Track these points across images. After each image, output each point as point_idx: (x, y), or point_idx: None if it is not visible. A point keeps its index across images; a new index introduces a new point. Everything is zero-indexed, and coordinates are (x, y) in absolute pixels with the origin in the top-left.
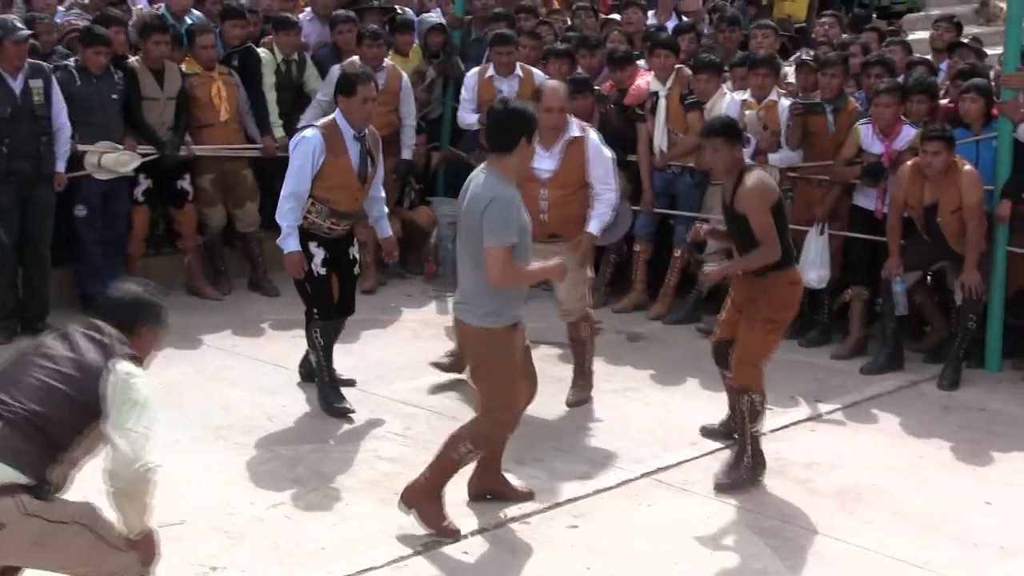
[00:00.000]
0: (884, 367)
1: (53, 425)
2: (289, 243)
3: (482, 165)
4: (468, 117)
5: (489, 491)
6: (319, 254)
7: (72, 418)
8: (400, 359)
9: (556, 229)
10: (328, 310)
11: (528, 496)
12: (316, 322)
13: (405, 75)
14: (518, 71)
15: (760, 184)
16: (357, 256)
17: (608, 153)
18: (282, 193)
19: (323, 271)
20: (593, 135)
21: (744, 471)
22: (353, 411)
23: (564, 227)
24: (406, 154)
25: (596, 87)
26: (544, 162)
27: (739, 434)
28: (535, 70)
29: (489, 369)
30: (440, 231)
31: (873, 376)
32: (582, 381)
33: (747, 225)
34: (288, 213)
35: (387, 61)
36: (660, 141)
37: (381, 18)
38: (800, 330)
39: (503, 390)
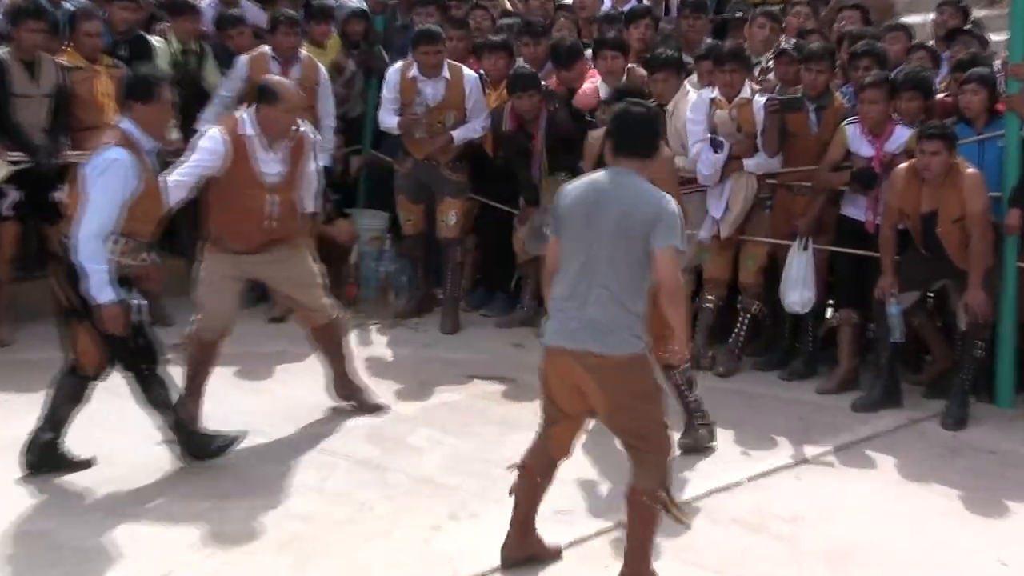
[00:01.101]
0: (879, 403)
1: None
2: (107, 292)
3: (612, 169)
4: (389, 119)
5: (530, 554)
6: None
7: None
8: (315, 398)
9: (278, 234)
10: (157, 357)
11: (557, 555)
12: (154, 377)
13: (323, 68)
14: (445, 72)
15: None
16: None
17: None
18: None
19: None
20: (309, 129)
21: (700, 430)
22: (237, 436)
23: (285, 231)
24: (324, 159)
25: (544, 83)
26: (270, 165)
27: (682, 405)
28: (466, 70)
29: (645, 399)
30: (361, 247)
31: (866, 413)
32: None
33: None
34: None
35: (303, 52)
36: None
37: (294, 3)
38: (781, 361)
39: (660, 414)
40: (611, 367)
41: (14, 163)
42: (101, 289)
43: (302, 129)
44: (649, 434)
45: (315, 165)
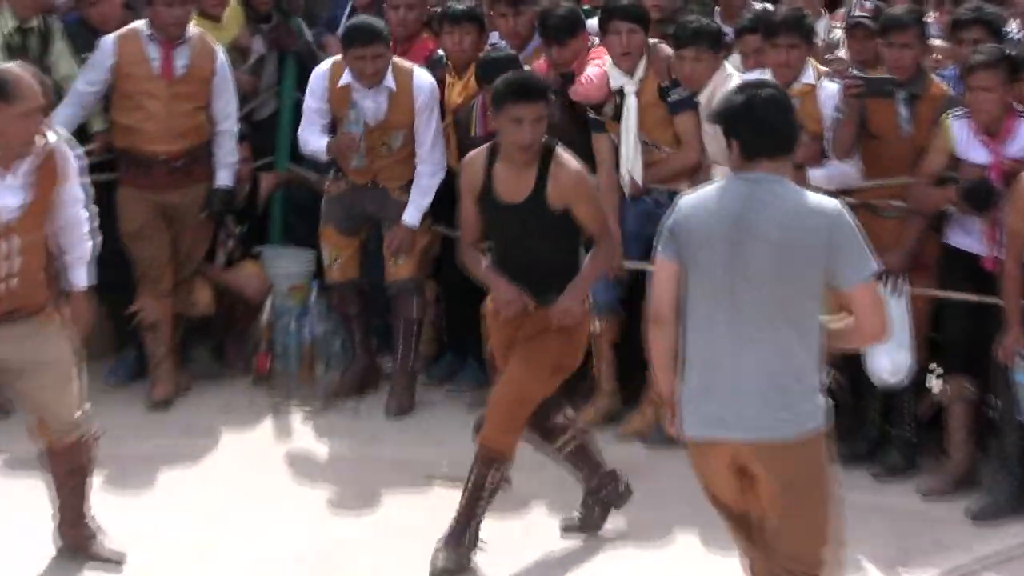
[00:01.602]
0: (1005, 509)
1: None
2: None
3: (752, 174)
4: (314, 140)
5: None
6: None
7: None
8: (217, 518)
9: (20, 300)
10: None
11: None
12: None
13: (221, 51)
14: (389, 80)
15: None
16: None
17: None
18: None
19: None
20: (64, 145)
21: (465, 550)
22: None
23: (28, 295)
24: (224, 178)
25: (528, 68)
26: (3, 195)
27: (466, 508)
28: (417, 75)
29: (822, 490)
30: (278, 301)
31: (988, 524)
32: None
33: None
34: None
35: (192, 28)
36: (630, 163)
37: None
38: (869, 452)
39: (832, 517)
40: (781, 452)
41: None
42: None
43: (51, 141)
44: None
45: (80, 193)
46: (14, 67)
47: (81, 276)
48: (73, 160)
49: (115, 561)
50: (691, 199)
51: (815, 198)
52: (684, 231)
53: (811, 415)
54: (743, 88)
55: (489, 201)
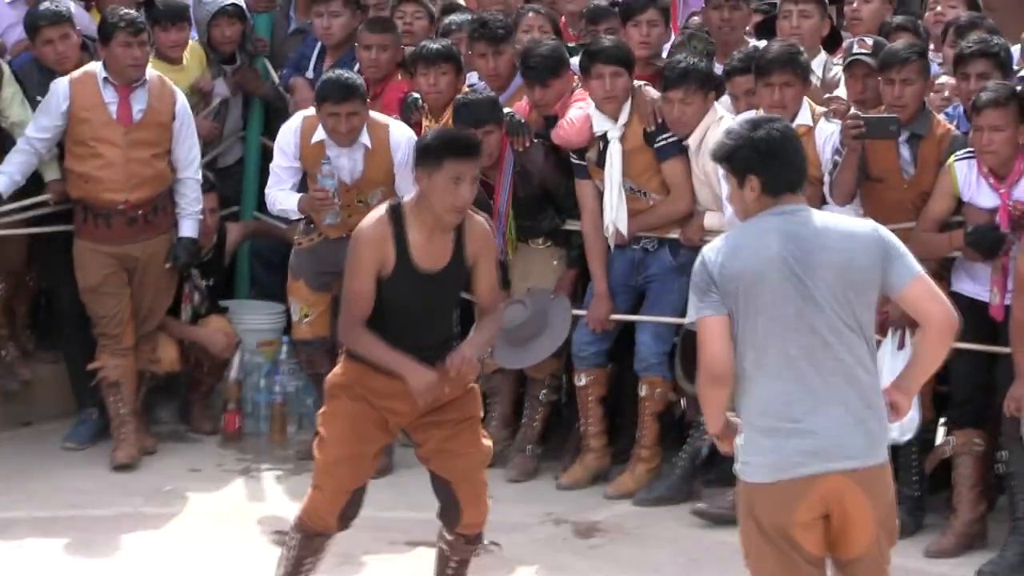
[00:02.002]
0: (1017, 568)
1: None
2: None
3: (784, 207)
4: (284, 199)
5: None
6: None
7: None
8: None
9: None
10: None
11: None
12: None
13: (180, 94)
14: (365, 138)
15: None
16: None
17: None
18: None
19: None
20: None
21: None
22: None
23: None
24: (187, 229)
25: (507, 110)
26: None
27: None
28: (394, 128)
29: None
30: (246, 358)
31: None
32: None
33: None
34: None
35: (151, 71)
36: (614, 212)
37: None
38: None
39: None
40: (877, 473)
41: None
42: None
43: None
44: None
45: None
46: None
47: None
48: None
49: None
50: (722, 247)
51: (848, 218)
52: (729, 280)
53: (887, 434)
54: (756, 124)
55: (406, 273)
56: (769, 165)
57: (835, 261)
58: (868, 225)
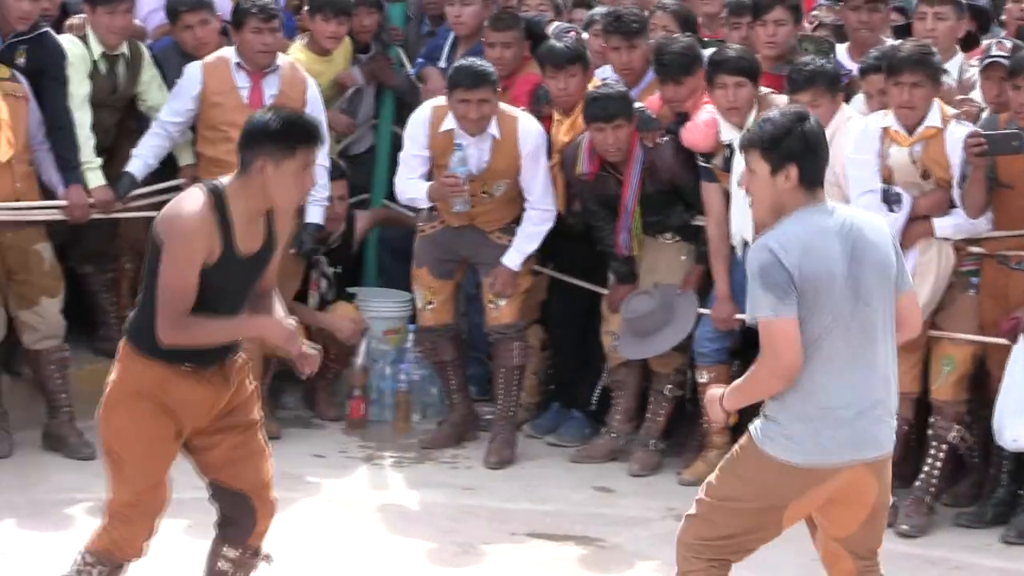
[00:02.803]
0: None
1: None
2: None
3: (826, 204)
4: (412, 187)
5: None
6: None
7: None
8: (305, 569)
9: None
10: None
11: None
12: None
13: (312, 83)
14: (493, 128)
15: None
16: None
17: None
18: None
19: None
20: None
21: None
22: None
23: None
24: (314, 215)
25: (639, 105)
26: None
27: None
28: (523, 122)
29: None
30: (373, 345)
31: None
32: None
33: None
34: None
35: (282, 58)
36: (739, 223)
37: None
38: (998, 515)
39: None
40: (887, 461)
41: None
42: None
43: None
44: None
45: None
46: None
47: None
48: None
49: None
50: (790, 246)
51: (870, 214)
52: (807, 281)
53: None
54: (802, 116)
55: (229, 259)
56: (810, 157)
57: (877, 259)
58: (884, 222)
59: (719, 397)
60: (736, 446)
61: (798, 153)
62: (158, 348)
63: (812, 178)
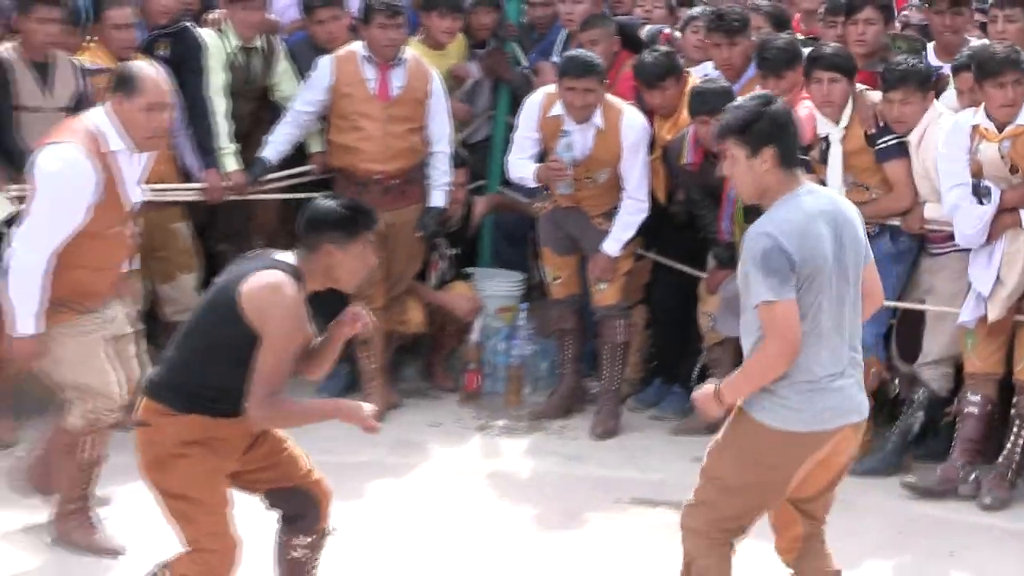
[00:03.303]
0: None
1: None
2: None
3: (806, 186)
4: (522, 167)
5: None
6: None
7: None
8: (421, 530)
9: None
10: None
11: None
12: None
13: (436, 75)
14: (598, 119)
15: None
16: None
17: None
18: None
19: None
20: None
21: None
22: None
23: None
24: (437, 199)
25: (739, 99)
26: (137, 190)
27: None
28: (627, 114)
29: None
30: (487, 322)
31: None
32: None
33: None
34: None
35: (408, 51)
36: None
37: None
38: None
39: None
40: (862, 426)
41: (20, 199)
42: None
43: None
44: None
45: None
46: (141, 63)
47: None
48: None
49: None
50: (787, 231)
51: (836, 193)
52: (805, 265)
53: None
54: (768, 99)
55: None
56: (783, 138)
57: (854, 236)
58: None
59: (714, 394)
60: (726, 431)
61: (771, 134)
62: (194, 405)
63: (788, 158)
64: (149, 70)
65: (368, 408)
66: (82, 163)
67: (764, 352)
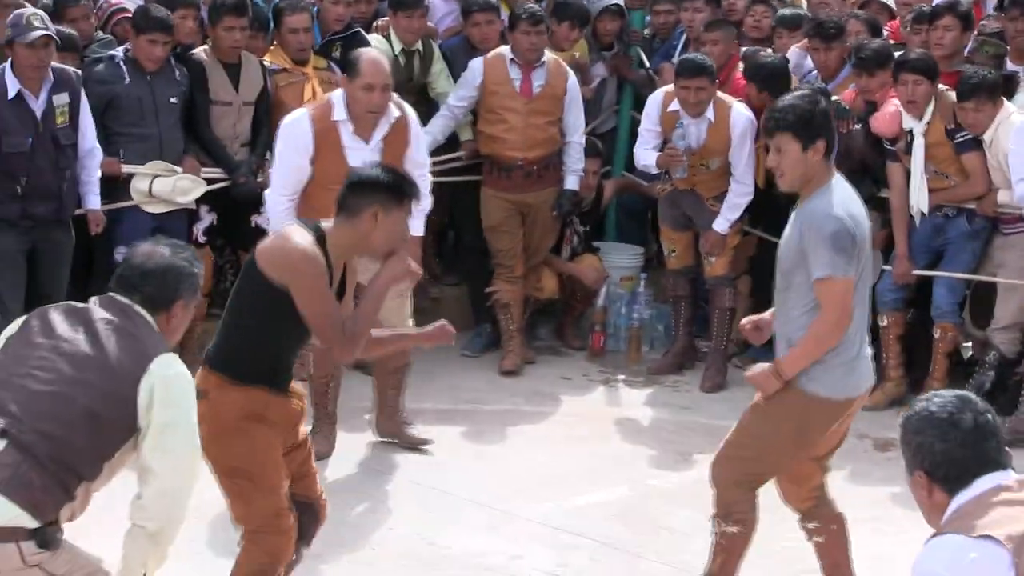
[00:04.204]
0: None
1: (73, 452)
2: None
3: (837, 175)
4: (646, 155)
5: None
6: None
7: (98, 440)
8: (552, 468)
9: None
10: None
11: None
12: None
13: (573, 76)
14: (710, 113)
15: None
16: None
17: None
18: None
19: None
20: (411, 111)
21: None
22: None
23: None
24: (571, 183)
25: (835, 98)
26: (364, 157)
27: None
28: (736, 109)
29: None
30: (611, 289)
31: None
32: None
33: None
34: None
35: (548, 55)
36: (917, 198)
37: None
38: None
39: None
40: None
41: (210, 182)
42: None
43: (400, 113)
44: None
45: (422, 158)
46: (366, 50)
47: (416, 226)
48: (418, 128)
49: (422, 445)
50: (849, 213)
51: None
52: (861, 245)
53: None
54: (813, 98)
55: None
56: (831, 131)
57: (865, 216)
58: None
59: (772, 372)
60: (770, 399)
61: (824, 128)
62: (253, 374)
63: (831, 150)
64: (370, 55)
65: (435, 328)
66: (299, 124)
67: (822, 326)
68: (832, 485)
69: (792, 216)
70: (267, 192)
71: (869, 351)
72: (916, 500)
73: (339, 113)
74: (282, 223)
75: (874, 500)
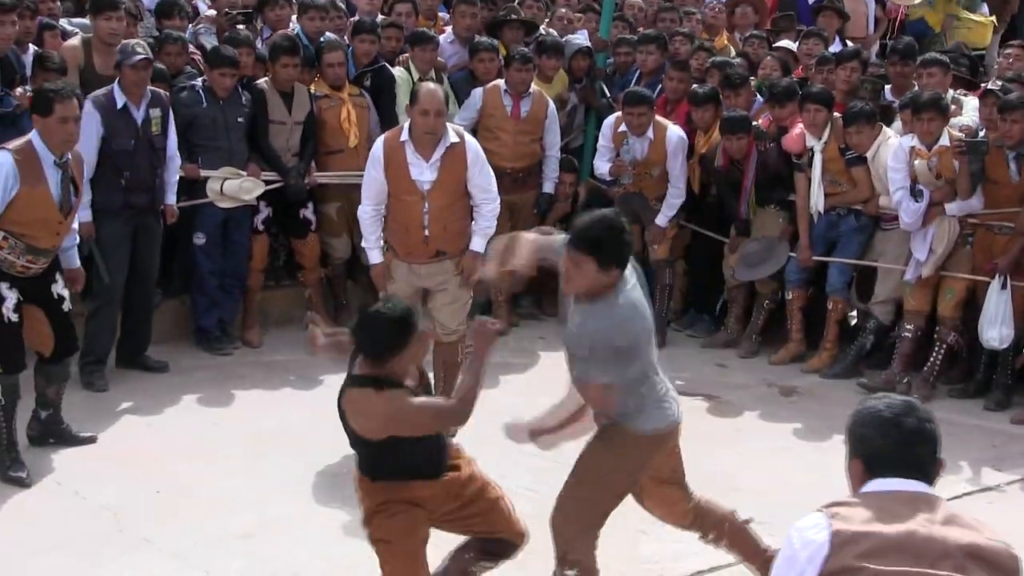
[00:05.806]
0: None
1: None
2: None
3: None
4: (602, 165)
5: None
6: (10, 297)
7: None
8: (532, 408)
9: (440, 246)
10: (16, 362)
11: None
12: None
13: (551, 103)
14: (650, 133)
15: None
16: (64, 293)
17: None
18: None
19: (14, 317)
20: (472, 140)
21: None
22: (28, 483)
23: (447, 242)
24: (548, 187)
25: (754, 123)
26: (424, 172)
27: None
28: (671, 130)
29: None
30: None
31: None
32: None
33: None
34: None
35: (533, 87)
36: (816, 200)
37: (523, 37)
38: (977, 391)
39: None
40: None
41: (268, 183)
42: None
43: (454, 139)
44: None
45: (485, 182)
46: (426, 83)
47: (477, 243)
48: (479, 156)
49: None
50: (638, 309)
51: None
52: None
53: None
54: (606, 221)
55: None
56: (626, 252)
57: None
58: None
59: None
60: (593, 442)
61: (620, 254)
62: (378, 474)
63: (623, 268)
64: (428, 87)
65: (487, 328)
66: (377, 144)
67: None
68: (747, 424)
69: (574, 308)
70: (360, 205)
71: (674, 392)
72: (849, 480)
73: (405, 135)
74: (368, 227)
75: (782, 433)
